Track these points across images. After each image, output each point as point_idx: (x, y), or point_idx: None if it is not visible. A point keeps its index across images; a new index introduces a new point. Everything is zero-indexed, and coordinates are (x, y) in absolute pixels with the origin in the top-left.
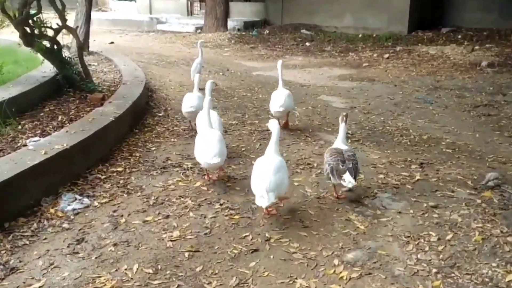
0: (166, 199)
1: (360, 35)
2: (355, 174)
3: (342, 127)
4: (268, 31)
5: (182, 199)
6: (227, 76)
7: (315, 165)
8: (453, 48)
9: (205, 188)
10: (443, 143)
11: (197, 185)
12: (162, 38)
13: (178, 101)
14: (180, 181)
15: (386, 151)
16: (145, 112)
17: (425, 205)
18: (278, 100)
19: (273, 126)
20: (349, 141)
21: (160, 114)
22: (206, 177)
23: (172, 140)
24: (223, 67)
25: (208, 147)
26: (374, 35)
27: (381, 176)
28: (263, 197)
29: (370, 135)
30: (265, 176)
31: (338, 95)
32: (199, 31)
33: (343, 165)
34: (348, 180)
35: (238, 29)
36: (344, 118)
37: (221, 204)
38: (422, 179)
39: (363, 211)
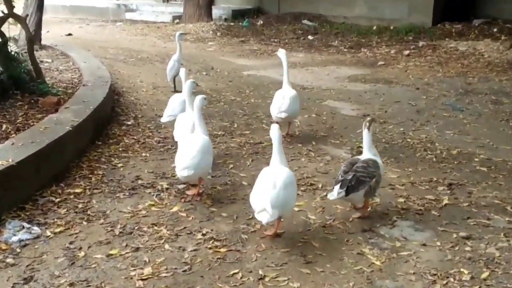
0: (136, 227)
1: (374, 27)
2: (350, 187)
3: (365, 134)
4: (262, 22)
5: (155, 227)
6: (212, 76)
7: (320, 186)
8: (487, 44)
9: (184, 214)
10: (477, 159)
11: (174, 210)
12: (131, 29)
13: (151, 106)
14: (153, 205)
15: (407, 169)
16: (111, 120)
17: (455, 235)
18: (281, 103)
19: (273, 132)
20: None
21: (129, 123)
22: (190, 192)
23: (144, 154)
24: (207, 66)
25: (186, 155)
26: (392, 27)
27: (401, 200)
28: (266, 211)
29: (387, 150)
30: (273, 189)
31: (348, 100)
32: (177, 21)
33: (343, 176)
34: (335, 192)
35: (225, 19)
36: (368, 124)
37: (203, 234)
38: (451, 204)
39: (379, 243)
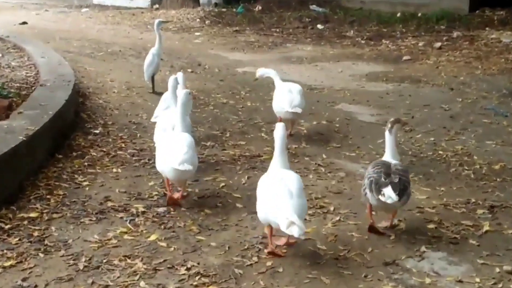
0: (105, 260)
1: (398, 14)
2: (401, 191)
3: (388, 136)
4: (260, 7)
5: (128, 260)
6: (199, 74)
7: (332, 209)
8: None
9: (164, 244)
10: None
11: (151, 239)
12: (100, 16)
13: (124, 111)
14: (126, 232)
15: (438, 188)
16: (74, 128)
17: (497, 270)
18: (291, 97)
19: (278, 131)
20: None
21: (97, 131)
22: (168, 192)
23: (115, 170)
24: (193, 61)
25: (176, 150)
26: (420, 14)
27: (432, 226)
28: (293, 223)
29: (415, 164)
30: (291, 198)
31: (366, 104)
32: (156, 6)
33: (387, 178)
34: (388, 195)
35: (216, 4)
36: (390, 125)
37: (188, 269)
38: (492, 231)
39: (405, 280)
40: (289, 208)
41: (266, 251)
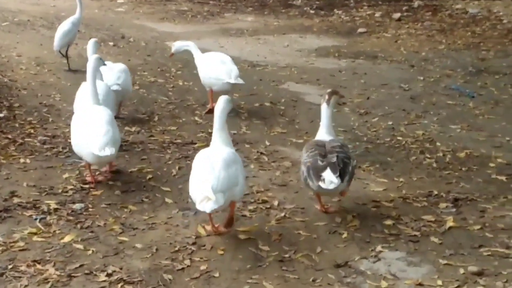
0: (10, 266)
1: None
2: (341, 171)
3: (324, 109)
4: None
5: (38, 266)
6: (123, 48)
7: (276, 203)
8: (507, 4)
9: (80, 246)
10: (492, 165)
11: (66, 241)
12: None
13: (33, 91)
14: (35, 233)
15: (396, 179)
16: None
17: (462, 271)
18: (229, 67)
19: (219, 104)
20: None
21: (1, 115)
22: (89, 178)
23: (22, 161)
24: (115, 33)
25: (95, 132)
26: None
27: (389, 222)
28: (208, 198)
29: (370, 152)
30: (212, 171)
31: (315, 83)
32: None
33: (323, 160)
34: (329, 180)
35: None
36: (327, 97)
37: (109, 274)
38: (457, 227)
39: (358, 283)
40: (205, 183)
41: (216, 230)
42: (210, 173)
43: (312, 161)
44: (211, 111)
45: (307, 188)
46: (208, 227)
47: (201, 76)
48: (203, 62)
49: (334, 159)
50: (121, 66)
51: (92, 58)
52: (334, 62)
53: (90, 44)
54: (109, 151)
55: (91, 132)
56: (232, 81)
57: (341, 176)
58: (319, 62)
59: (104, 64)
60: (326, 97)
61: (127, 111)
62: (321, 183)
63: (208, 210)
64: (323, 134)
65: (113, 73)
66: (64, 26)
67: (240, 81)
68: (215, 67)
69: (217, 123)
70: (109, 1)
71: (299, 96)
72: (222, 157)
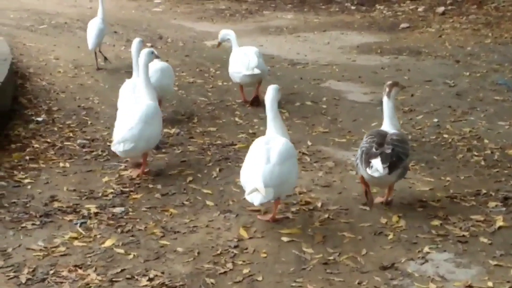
0: (51, 271)
1: None
2: (393, 163)
3: (385, 102)
4: None
5: (80, 270)
6: (160, 48)
7: (319, 205)
8: None
9: (121, 251)
10: None
11: (107, 246)
12: None
13: (72, 94)
14: (76, 238)
15: (443, 178)
16: (12, 116)
17: None
18: (247, 60)
19: (268, 94)
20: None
21: (40, 119)
22: (134, 172)
23: (62, 165)
24: (153, 34)
25: (121, 125)
26: None
27: (436, 222)
28: (258, 191)
29: (416, 150)
30: (267, 163)
31: (358, 80)
32: None
33: (378, 148)
34: (375, 167)
35: None
36: (388, 89)
37: (150, 279)
38: (507, 227)
39: (405, 286)
40: (257, 174)
41: (260, 217)
42: (264, 165)
43: (367, 146)
44: (249, 102)
45: (356, 170)
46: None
47: (229, 70)
48: (232, 56)
49: (389, 150)
50: (158, 64)
51: (144, 51)
52: (376, 59)
53: (135, 44)
54: (122, 147)
55: (119, 123)
56: (248, 72)
57: (390, 169)
58: (361, 59)
59: (158, 57)
60: (387, 89)
61: (166, 113)
62: (368, 169)
63: (256, 203)
64: (386, 125)
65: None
66: (97, 25)
67: (257, 71)
68: (236, 60)
69: (270, 113)
70: (146, 1)
71: (341, 95)
72: (279, 150)
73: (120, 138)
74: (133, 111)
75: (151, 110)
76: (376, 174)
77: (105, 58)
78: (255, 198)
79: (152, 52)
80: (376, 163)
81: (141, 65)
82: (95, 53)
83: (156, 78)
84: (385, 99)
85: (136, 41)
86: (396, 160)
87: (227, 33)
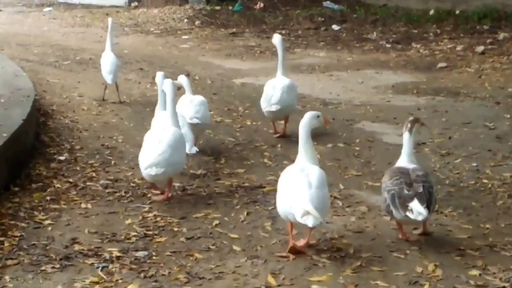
0: None
1: (431, 12)
2: (428, 201)
3: (407, 138)
4: (262, 5)
5: None
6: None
7: (352, 251)
8: None
9: None
10: None
11: None
12: (67, 17)
13: (95, 132)
14: (97, 283)
15: (482, 225)
16: (34, 154)
17: None
18: (271, 94)
19: (304, 121)
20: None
21: (62, 158)
22: (158, 197)
23: (83, 206)
24: (180, 70)
25: (151, 150)
26: (458, 12)
27: (475, 272)
28: (309, 213)
29: (453, 195)
30: (309, 189)
31: (393, 122)
32: (135, 4)
33: (410, 189)
34: (417, 211)
35: (208, 1)
36: (410, 125)
37: None
38: None
39: None
40: (305, 198)
41: (287, 250)
42: (308, 190)
43: (397, 189)
44: (279, 134)
45: (388, 215)
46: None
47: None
48: (264, 88)
49: (421, 189)
50: (200, 98)
51: (167, 81)
52: (412, 100)
53: (159, 76)
54: (154, 171)
55: (149, 148)
56: (268, 108)
57: (427, 207)
58: (396, 100)
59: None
60: (409, 125)
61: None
62: (409, 213)
63: (310, 224)
64: (404, 161)
65: (193, 106)
66: (111, 58)
67: (274, 108)
68: (265, 94)
69: (302, 138)
70: (174, 37)
71: (375, 136)
72: (317, 175)
73: (151, 162)
74: (160, 137)
75: (178, 136)
76: (420, 218)
77: (119, 99)
78: (308, 220)
79: (172, 82)
80: (415, 206)
81: (168, 92)
82: (116, 86)
83: (203, 112)
84: (406, 135)
85: (160, 74)
86: (430, 196)
87: (279, 41)
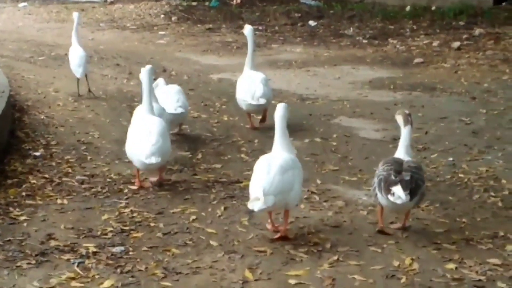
0: None
1: (407, 8)
2: (413, 189)
3: (406, 132)
4: (239, 0)
5: None
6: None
7: (329, 246)
8: None
9: None
10: None
11: (106, 286)
12: (42, 12)
13: (71, 128)
14: (73, 278)
15: (459, 220)
16: (9, 151)
17: None
18: (254, 88)
19: (278, 112)
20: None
21: (37, 154)
22: (136, 182)
23: (59, 201)
24: (157, 66)
25: (145, 141)
26: (434, 8)
27: (451, 265)
28: (258, 199)
29: (430, 190)
30: (267, 174)
31: (370, 117)
32: (110, 0)
33: (397, 176)
34: (397, 195)
35: None
36: (409, 118)
37: None
38: None
39: None
40: (258, 184)
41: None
42: (264, 176)
43: (385, 174)
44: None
45: (374, 199)
46: (269, 226)
47: (236, 96)
48: (239, 81)
49: (408, 177)
50: (176, 87)
51: (145, 68)
52: (389, 95)
53: (147, 71)
54: (155, 159)
55: (143, 140)
56: (254, 102)
57: (411, 195)
58: (373, 95)
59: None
60: (408, 118)
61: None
62: (389, 196)
63: (255, 209)
64: (402, 153)
65: (172, 96)
66: (80, 52)
67: (262, 101)
68: (243, 88)
69: (278, 130)
70: (150, 33)
71: (352, 131)
72: (279, 162)
73: (150, 152)
74: (149, 128)
75: (164, 125)
76: (399, 201)
77: (89, 90)
78: (255, 205)
79: (153, 68)
80: (398, 190)
81: (144, 80)
82: (86, 79)
83: (183, 100)
84: (408, 128)
85: (147, 68)
86: (416, 186)
87: (249, 30)
